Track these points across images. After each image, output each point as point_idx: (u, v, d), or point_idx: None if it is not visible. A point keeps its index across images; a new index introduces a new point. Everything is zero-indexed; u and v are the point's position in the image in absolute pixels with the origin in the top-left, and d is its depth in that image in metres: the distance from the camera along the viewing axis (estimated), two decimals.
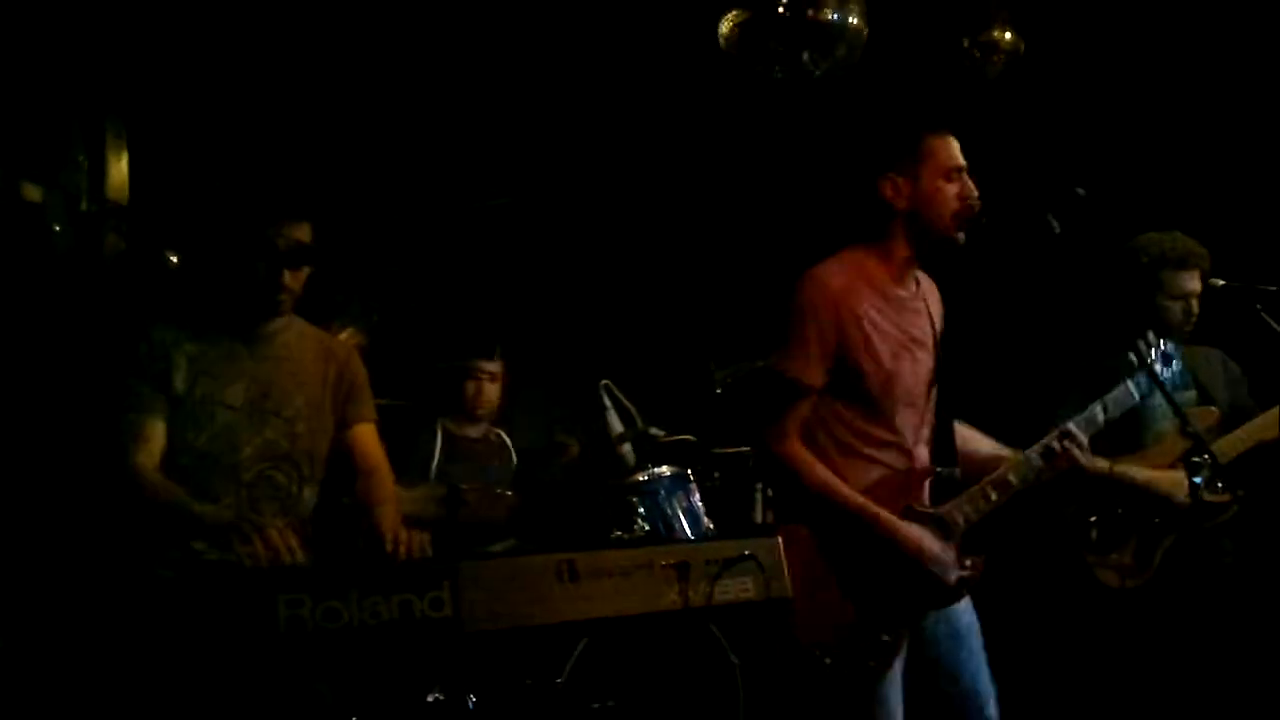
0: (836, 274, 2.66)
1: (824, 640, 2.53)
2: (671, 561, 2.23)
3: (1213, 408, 3.48)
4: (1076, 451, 2.74)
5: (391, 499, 2.66)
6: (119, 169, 4.61)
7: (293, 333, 2.74)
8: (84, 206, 3.49)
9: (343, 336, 3.62)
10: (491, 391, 4.38)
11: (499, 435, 4.52)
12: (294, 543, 2.20)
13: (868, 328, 2.62)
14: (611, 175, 5.07)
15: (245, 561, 2.13)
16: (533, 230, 5.07)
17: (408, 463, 4.18)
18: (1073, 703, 3.64)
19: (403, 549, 2.35)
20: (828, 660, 2.52)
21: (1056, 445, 2.74)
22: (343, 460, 2.75)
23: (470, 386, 4.29)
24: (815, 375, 2.60)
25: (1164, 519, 3.44)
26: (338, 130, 4.62)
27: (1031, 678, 2.79)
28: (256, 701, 1.89)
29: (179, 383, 2.55)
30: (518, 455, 4.48)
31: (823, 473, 2.59)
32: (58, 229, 2.79)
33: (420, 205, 4.82)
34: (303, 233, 2.61)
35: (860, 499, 2.58)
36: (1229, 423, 3.45)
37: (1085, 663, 3.64)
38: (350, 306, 3.90)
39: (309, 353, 2.74)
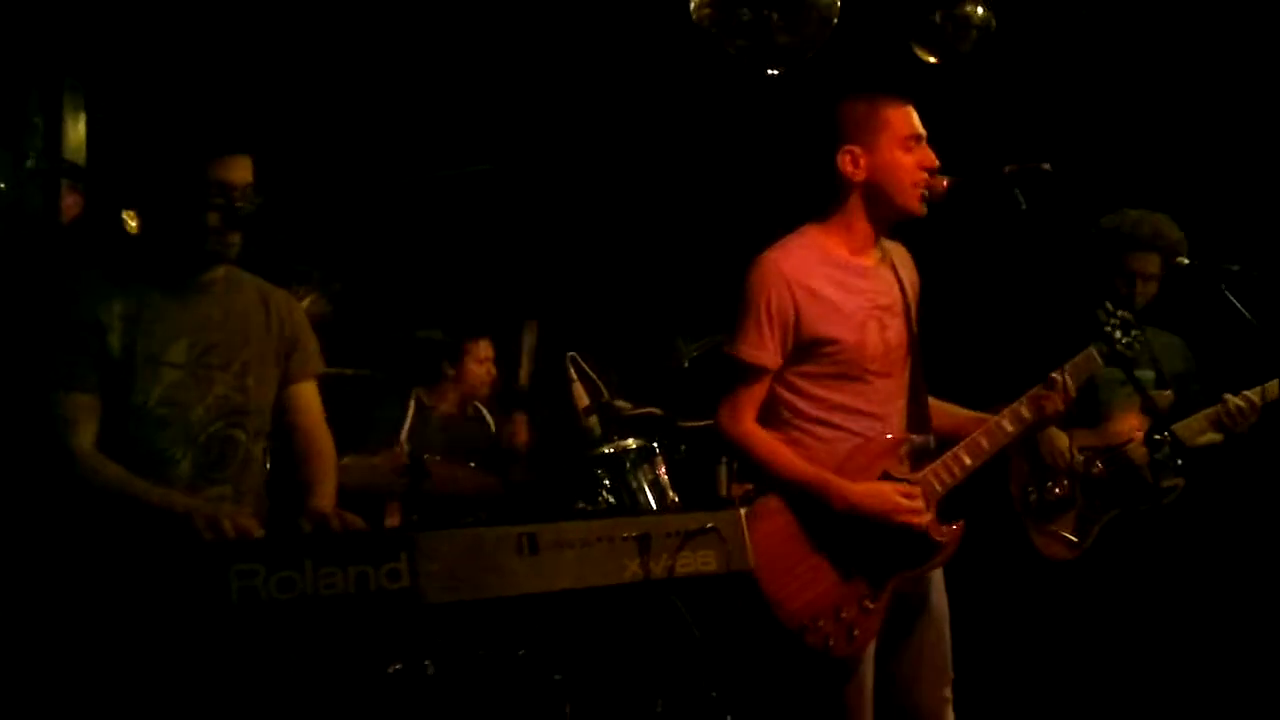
0: (788, 252, 2.66)
1: (808, 615, 2.54)
2: (633, 534, 2.22)
3: (1167, 391, 3.53)
4: (1065, 394, 2.72)
5: (331, 474, 2.55)
6: (76, 130, 4.52)
7: (231, 281, 2.56)
8: (30, 164, 3.37)
9: (305, 304, 3.56)
10: (482, 372, 4.39)
11: (476, 409, 4.50)
12: (251, 525, 2.13)
13: (826, 300, 2.62)
14: (582, 146, 5.03)
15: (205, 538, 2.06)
16: (503, 199, 5.02)
17: (372, 431, 4.16)
18: (1007, 670, 3.69)
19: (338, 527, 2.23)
20: (813, 640, 2.53)
21: (1046, 394, 2.73)
22: (280, 419, 2.60)
23: (475, 371, 4.31)
24: (768, 356, 2.62)
25: (1109, 493, 3.49)
26: (310, 95, 4.55)
27: (966, 641, 2.82)
28: (210, 674, 1.85)
29: (114, 344, 2.37)
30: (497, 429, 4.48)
31: (775, 451, 2.62)
32: (1, 187, 2.66)
33: (393, 172, 4.76)
34: (244, 169, 2.42)
35: (813, 471, 2.59)
36: (1179, 408, 3.51)
37: (1017, 630, 3.69)
38: (312, 274, 3.84)
39: (250, 302, 2.57)
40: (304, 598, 1.87)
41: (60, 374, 2.36)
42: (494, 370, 4.47)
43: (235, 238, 2.45)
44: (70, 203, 4.50)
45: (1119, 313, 2.83)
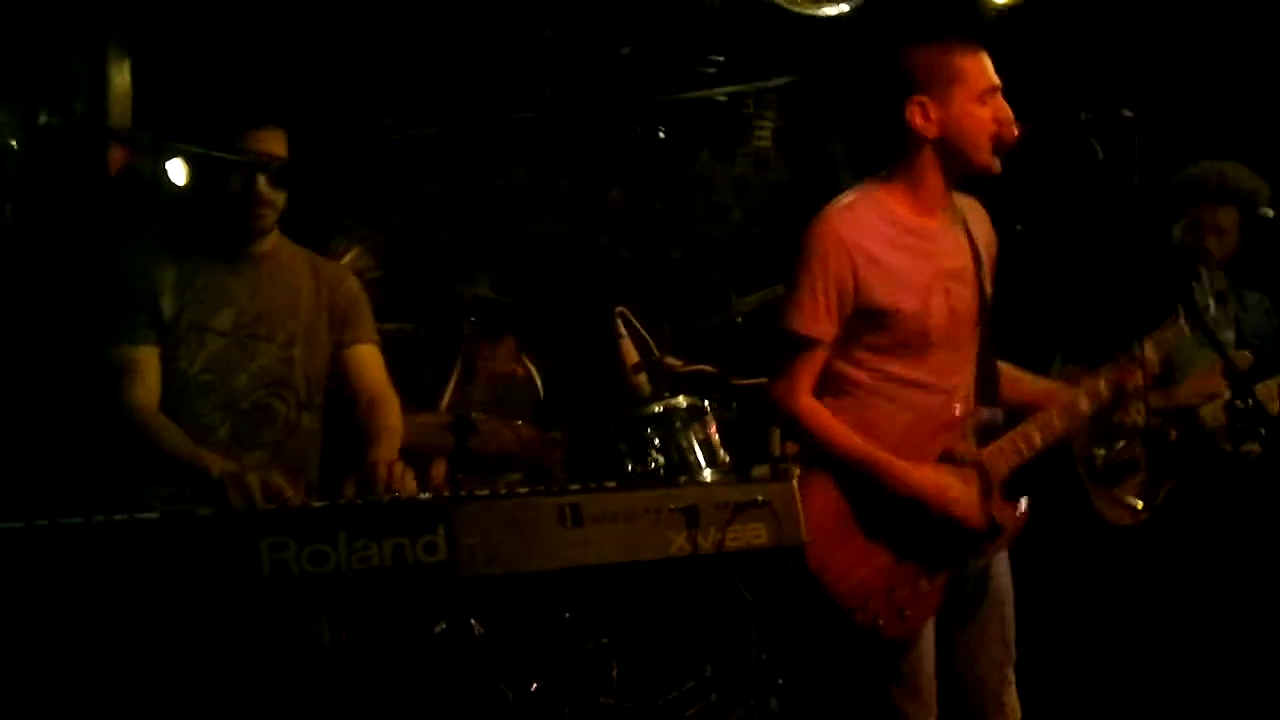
0: (848, 215, 2.50)
1: (858, 594, 2.43)
2: (680, 506, 2.11)
3: (1246, 352, 3.34)
4: (1148, 373, 2.58)
5: (393, 428, 2.53)
6: (122, 80, 4.46)
7: (282, 255, 2.60)
8: (42, 120, 3.31)
9: (347, 259, 3.50)
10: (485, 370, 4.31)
11: (525, 365, 4.42)
12: (283, 484, 2.08)
13: (888, 267, 2.47)
14: (630, 91, 4.88)
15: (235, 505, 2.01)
16: (550, 151, 4.89)
17: (417, 389, 4.09)
18: (1065, 637, 3.56)
19: (388, 483, 2.19)
20: (862, 619, 2.42)
21: (1128, 369, 2.58)
22: (342, 387, 2.61)
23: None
24: (824, 328, 2.47)
25: (1179, 457, 3.32)
26: (352, 52, 4.44)
27: (1024, 608, 2.70)
28: (243, 648, 1.79)
29: (166, 309, 2.42)
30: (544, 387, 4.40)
31: (833, 428, 2.48)
32: (13, 144, 2.63)
33: (438, 123, 4.65)
34: (275, 142, 2.45)
35: (874, 453, 2.45)
36: (1259, 370, 3.32)
37: (1078, 595, 3.56)
38: (354, 228, 3.76)
39: (300, 275, 2.60)
40: (337, 572, 1.79)
41: (120, 329, 2.40)
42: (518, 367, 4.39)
43: (265, 211, 2.46)
44: (116, 156, 4.45)
45: (1214, 282, 2.65)
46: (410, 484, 2.20)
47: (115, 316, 2.40)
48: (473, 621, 2.89)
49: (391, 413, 2.57)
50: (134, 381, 2.36)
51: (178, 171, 3.72)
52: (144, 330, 2.40)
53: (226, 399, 2.45)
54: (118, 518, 1.77)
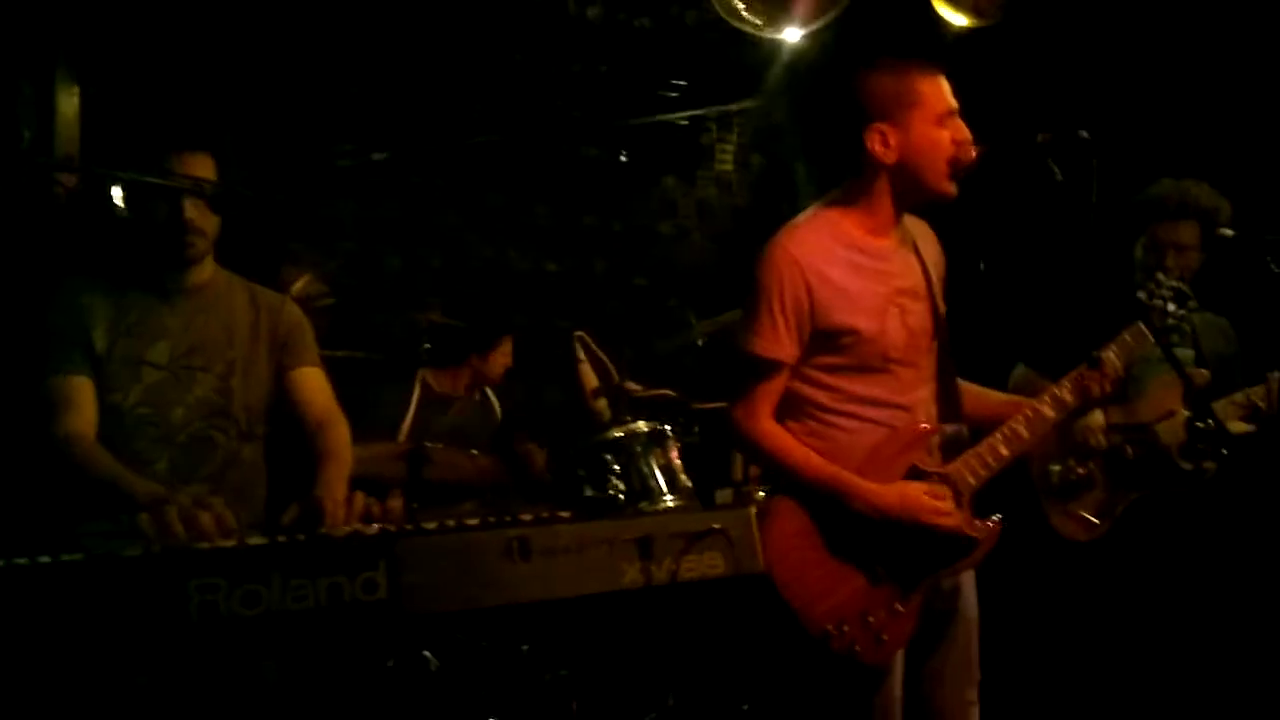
0: (802, 236, 2.48)
1: (832, 620, 2.38)
2: (633, 536, 2.05)
3: (1204, 370, 3.33)
4: (1111, 378, 2.55)
5: (340, 454, 2.45)
6: (70, 109, 4.37)
7: (219, 285, 2.55)
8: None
9: (297, 286, 3.43)
10: (500, 363, 4.25)
11: (483, 392, 4.35)
12: (227, 519, 1.98)
13: (843, 288, 2.44)
14: (585, 118, 4.85)
15: (154, 545, 1.91)
16: (511, 173, 4.84)
17: (374, 418, 4.01)
18: (1024, 653, 3.52)
19: (339, 517, 2.09)
20: (838, 646, 2.37)
21: (1091, 373, 2.55)
22: (289, 412, 2.54)
23: (499, 362, 4.19)
24: (783, 350, 2.44)
25: (1136, 474, 3.30)
26: (302, 68, 4.38)
27: (986, 626, 2.66)
28: (169, 698, 1.70)
29: (99, 343, 2.37)
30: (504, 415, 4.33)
31: (794, 451, 2.45)
32: None
33: (390, 148, 4.59)
34: (201, 166, 2.38)
35: (839, 474, 2.41)
36: (1216, 388, 3.31)
37: (1035, 612, 3.53)
38: (304, 254, 3.68)
39: (237, 304, 2.55)
40: (270, 613, 1.71)
41: (54, 361, 2.35)
42: (510, 363, 4.33)
43: (194, 239, 2.42)
44: (68, 178, 4.36)
45: (1172, 282, 2.62)
46: (359, 514, 2.11)
47: (49, 350, 2.36)
48: (427, 654, 2.81)
49: (338, 436, 2.51)
50: (67, 412, 2.31)
51: (119, 200, 3.64)
52: (78, 362, 2.35)
53: (164, 432, 2.40)
54: (41, 560, 1.69)
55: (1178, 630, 3.30)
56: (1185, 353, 3.37)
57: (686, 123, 5.40)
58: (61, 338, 2.37)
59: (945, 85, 2.48)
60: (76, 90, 4.31)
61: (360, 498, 2.14)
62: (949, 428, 2.55)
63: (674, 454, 3.78)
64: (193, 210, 2.37)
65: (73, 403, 2.32)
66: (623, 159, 5.28)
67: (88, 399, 2.34)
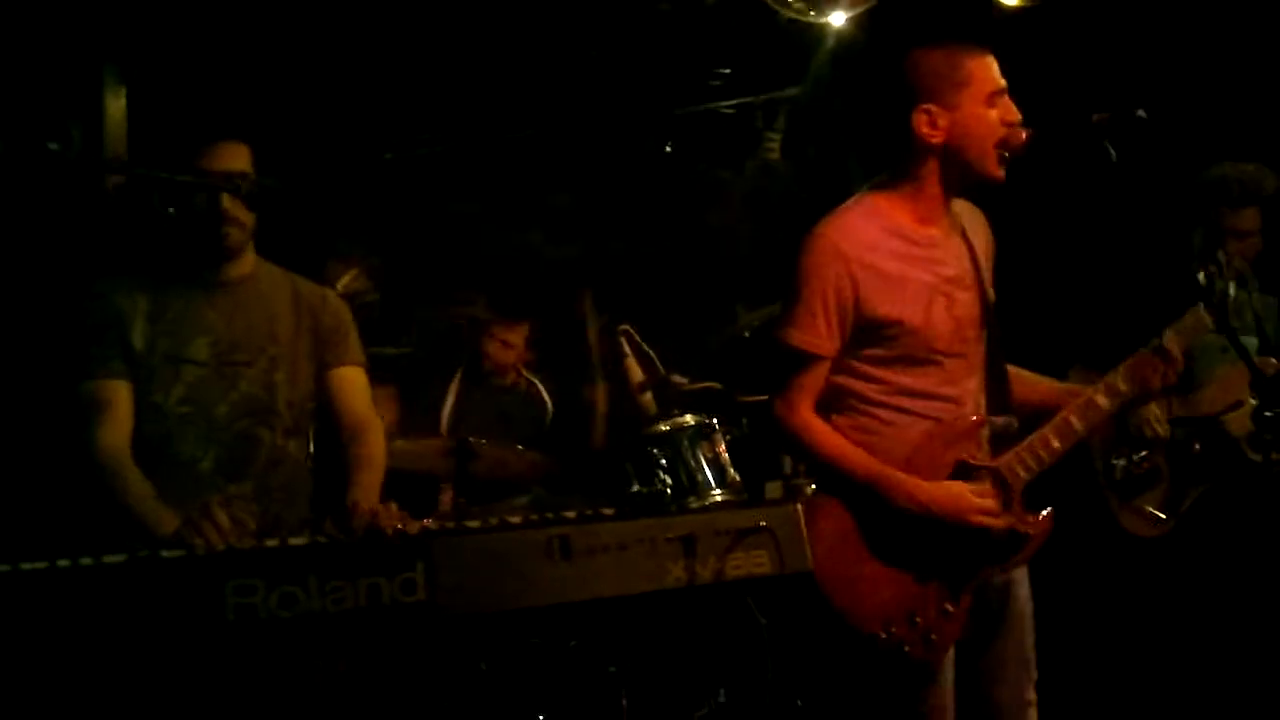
0: (847, 225, 2.41)
1: (879, 620, 2.33)
2: (677, 534, 2.01)
3: (1272, 359, 3.21)
4: (1171, 365, 2.45)
5: (374, 461, 2.43)
6: (117, 111, 4.42)
7: (260, 278, 2.50)
8: (51, 148, 3.27)
9: (342, 282, 3.43)
10: (506, 356, 4.21)
11: (531, 383, 4.33)
12: (246, 521, 1.99)
13: (889, 277, 2.37)
14: (630, 106, 4.80)
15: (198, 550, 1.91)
16: (551, 166, 4.81)
17: (422, 414, 4.02)
18: (1086, 653, 3.43)
19: (367, 525, 2.07)
20: (886, 646, 2.32)
21: (1148, 361, 2.46)
22: (325, 412, 2.51)
23: (490, 346, 4.14)
24: (824, 342, 2.38)
25: (1202, 467, 3.19)
26: (347, 72, 4.38)
27: (1046, 624, 2.58)
28: (206, 701, 1.70)
29: (137, 341, 2.33)
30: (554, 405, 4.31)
31: (836, 445, 2.39)
32: None
33: (433, 141, 4.57)
34: (238, 157, 2.36)
35: (882, 470, 2.35)
36: None
37: (1099, 610, 3.43)
38: (350, 250, 3.68)
39: (279, 298, 2.50)
40: (309, 614, 1.70)
41: (89, 363, 2.32)
42: (525, 353, 4.28)
43: (231, 229, 2.38)
44: (115, 179, 4.41)
45: (1233, 263, 2.52)
46: (394, 520, 2.08)
47: (84, 351, 2.32)
48: (473, 657, 2.79)
49: (373, 443, 2.48)
50: (103, 421, 2.28)
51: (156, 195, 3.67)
52: (114, 364, 2.32)
53: (208, 430, 2.36)
54: (83, 561, 1.69)
55: (1246, 628, 3.19)
56: (1249, 340, 3.25)
57: (733, 111, 5.33)
58: (97, 339, 2.32)
59: (994, 65, 2.40)
60: (124, 91, 4.36)
61: (394, 507, 2.12)
62: (999, 419, 2.47)
63: (721, 447, 3.74)
64: (229, 201, 2.34)
65: (108, 410, 2.29)
66: (668, 149, 5.22)
67: (124, 405, 2.31)
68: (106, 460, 2.25)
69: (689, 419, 3.67)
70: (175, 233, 2.41)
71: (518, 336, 4.22)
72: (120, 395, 2.30)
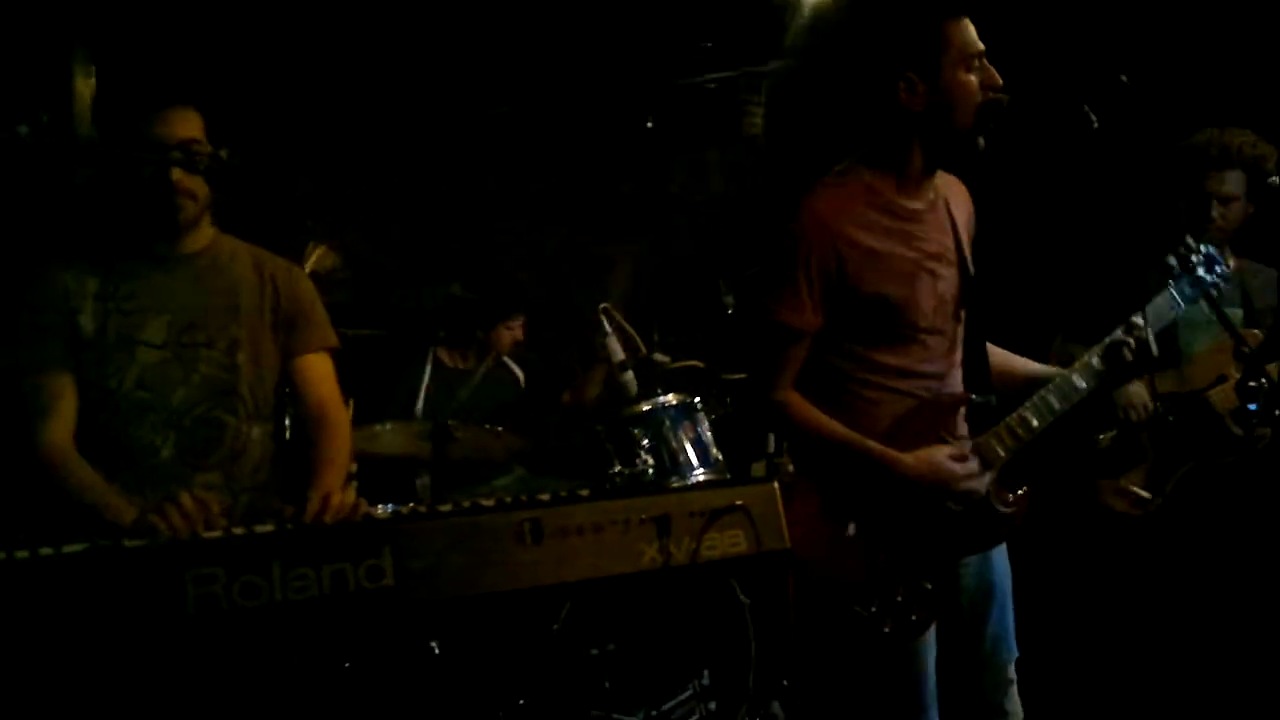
0: (830, 199, 2.36)
1: (858, 597, 2.30)
2: (650, 515, 1.97)
3: (1256, 331, 3.17)
4: (1145, 343, 2.43)
5: (338, 464, 2.32)
6: (87, 89, 4.34)
7: (219, 252, 2.37)
8: (22, 130, 3.18)
9: (312, 260, 3.36)
10: (507, 337, 4.18)
11: (504, 364, 4.28)
12: (212, 507, 1.93)
13: (873, 252, 2.32)
14: (612, 83, 4.73)
15: (162, 535, 1.85)
16: (529, 141, 4.74)
17: (391, 397, 3.97)
18: (1070, 633, 3.40)
19: (327, 516, 2.00)
20: (865, 624, 2.29)
21: (1123, 340, 2.44)
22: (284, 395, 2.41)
23: (505, 336, 4.12)
24: (807, 318, 2.33)
25: (1187, 444, 3.15)
26: (317, 36, 4.30)
27: (1030, 606, 2.55)
28: (165, 695, 1.65)
29: (86, 325, 2.21)
30: (529, 384, 4.26)
31: (816, 418, 2.35)
32: None
33: (409, 117, 4.50)
34: (187, 123, 2.23)
35: (863, 442, 2.32)
36: (1270, 348, 3.14)
37: (1084, 591, 3.40)
38: (320, 229, 3.61)
39: (241, 272, 2.37)
40: (271, 605, 1.65)
41: (30, 358, 2.21)
42: (521, 337, 4.26)
43: (184, 201, 2.26)
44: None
45: (1201, 247, 2.49)
46: (346, 510, 2.02)
47: (27, 342, 2.21)
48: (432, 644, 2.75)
49: (337, 438, 2.37)
50: (46, 418, 2.17)
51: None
52: (56, 356, 2.20)
53: (167, 417, 2.25)
54: (43, 552, 1.64)
55: (1233, 608, 3.16)
56: (1235, 311, 3.21)
57: (714, 85, 5.27)
58: (39, 329, 2.20)
59: (971, 28, 2.35)
60: (94, 72, 4.28)
61: (351, 494, 2.06)
62: (977, 397, 2.43)
63: (704, 426, 3.70)
64: (179, 173, 2.21)
65: (50, 407, 2.18)
66: (649, 124, 5.16)
67: (68, 400, 2.19)
68: (52, 460, 2.15)
69: (671, 398, 3.64)
70: (126, 206, 2.29)
71: (521, 320, 4.21)
72: (64, 392, 2.19)
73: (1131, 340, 2.43)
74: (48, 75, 4.18)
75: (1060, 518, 3.24)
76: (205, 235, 2.36)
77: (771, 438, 3.97)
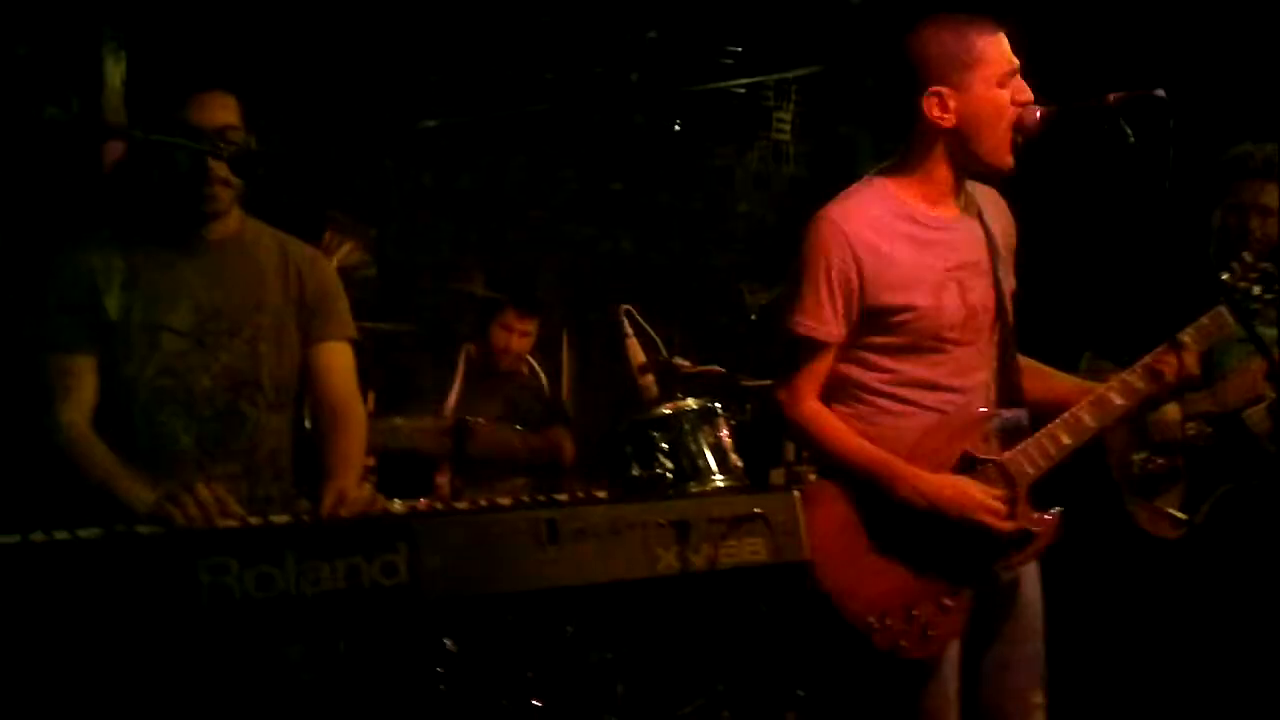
0: (854, 208, 2.33)
1: (875, 613, 2.27)
2: (670, 519, 1.95)
3: None
4: (1189, 363, 2.37)
5: (353, 461, 2.29)
6: (117, 77, 4.36)
7: (245, 239, 2.35)
8: (48, 114, 3.18)
9: (338, 254, 3.36)
10: (521, 345, 4.16)
11: (530, 365, 4.27)
12: (228, 501, 1.91)
13: (898, 262, 2.30)
14: (640, 86, 4.72)
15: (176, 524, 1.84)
16: (552, 142, 4.73)
17: (419, 392, 3.97)
18: (1103, 656, 3.35)
19: (342, 510, 1.99)
20: (880, 641, 2.25)
21: (1165, 359, 2.38)
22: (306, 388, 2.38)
23: (499, 336, 4.08)
24: (831, 329, 2.31)
25: (1223, 465, 3.10)
26: (349, 44, 4.31)
27: (1061, 629, 2.51)
28: (177, 684, 1.64)
29: (111, 308, 2.19)
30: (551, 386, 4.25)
31: (841, 434, 2.33)
32: None
33: (430, 115, 4.50)
34: (225, 109, 2.21)
35: (886, 460, 2.28)
36: None
37: (1121, 615, 3.35)
38: (346, 222, 3.61)
39: (266, 259, 2.35)
40: (285, 597, 1.64)
41: (53, 336, 2.19)
42: (527, 346, 4.23)
43: (219, 190, 2.23)
44: (112, 152, 4.36)
45: (1259, 264, 2.43)
46: (361, 506, 2.00)
47: (50, 322, 2.19)
48: (447, 642, 2.74)
49: (353, 430, 2.35)
50: (64, 397, 2.15)
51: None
52: (80, 336, 2.18)
53: (188, 405, 2.23)
54: (58, 536, 1.64)
55: (1267, 635, 3.10)
56: (1269, 331, 3.16)
57: (744, 90, 5.25)
58: (64, 308, 2.18)
59: (1005, 43, 2.32)
60: (124, 57, 4.30)
61: (367, 490, 2.05)
62: (1007, 412, 2.38)
63: (724, 432, 3.67)
64: (214, 161, 2.18)
65: (71, 387, 2.16)
66: (677, 128, 5.15)
67: (89, 382, 2.17)
68: (69, 439, 2.14)
69: (691, 403, 3.61)
70: (157, 192, 2.27)
71: (531, 326, 4.17)
72: (85, 372, 2.18)
73: (1175, 359, 2.38)
74: (77, 59, 4.20)
75: (1095, 540, 3.20)
76: (234, 221, 2.33)
77: (791, 445, 3.93)
